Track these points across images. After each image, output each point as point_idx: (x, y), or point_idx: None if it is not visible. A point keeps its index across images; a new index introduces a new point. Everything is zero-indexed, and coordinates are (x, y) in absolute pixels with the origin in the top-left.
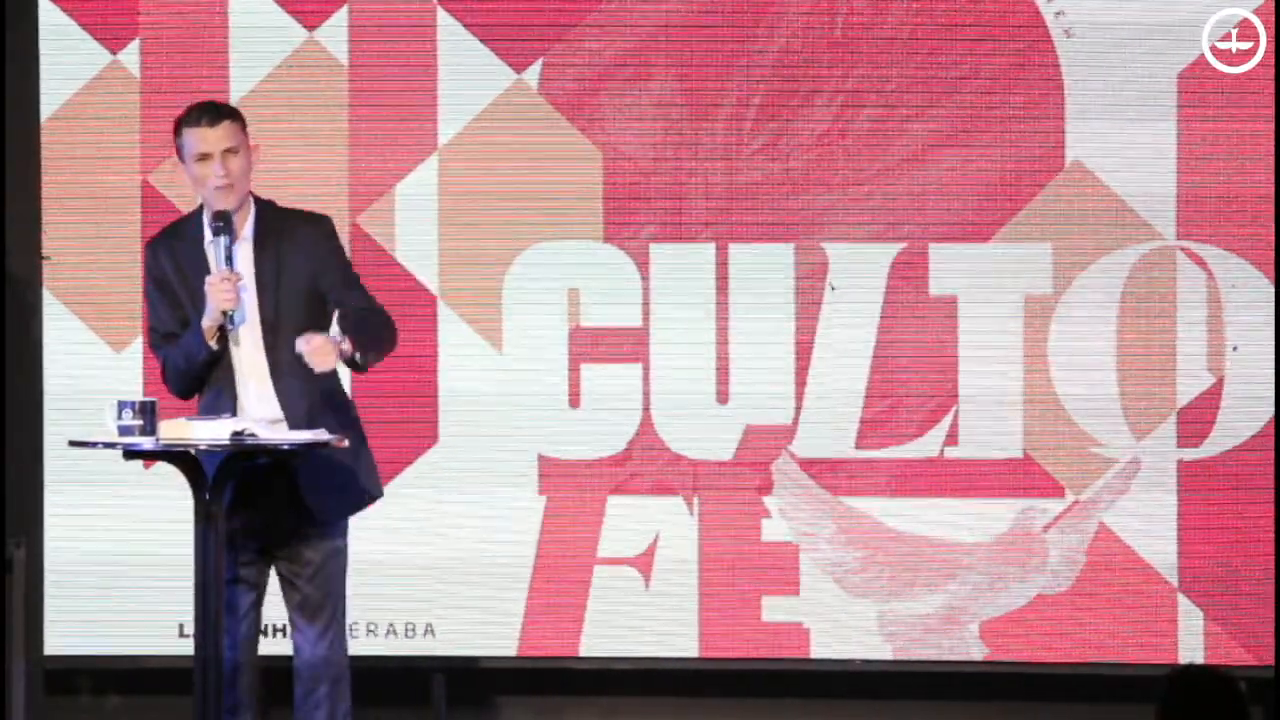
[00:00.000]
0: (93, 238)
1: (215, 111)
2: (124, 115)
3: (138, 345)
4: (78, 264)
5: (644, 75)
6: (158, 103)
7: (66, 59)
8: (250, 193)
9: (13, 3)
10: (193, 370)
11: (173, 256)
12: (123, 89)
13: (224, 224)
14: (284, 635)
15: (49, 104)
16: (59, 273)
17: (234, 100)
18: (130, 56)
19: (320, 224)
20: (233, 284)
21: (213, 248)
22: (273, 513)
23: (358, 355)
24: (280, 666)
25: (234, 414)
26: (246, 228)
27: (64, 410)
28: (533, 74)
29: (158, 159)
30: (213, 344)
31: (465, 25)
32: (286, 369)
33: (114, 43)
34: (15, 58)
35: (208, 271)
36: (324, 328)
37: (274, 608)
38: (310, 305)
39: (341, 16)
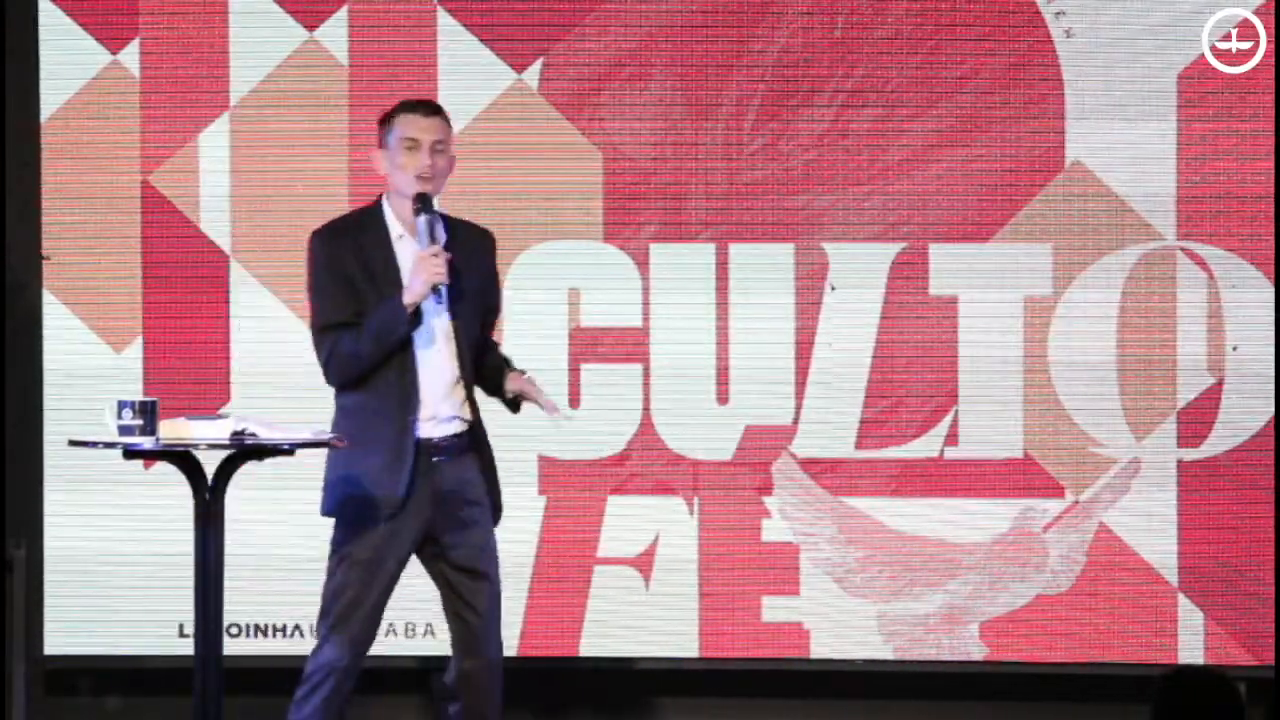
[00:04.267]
0: (93, 237)
1: (432, 106)
2: (124, 115)
3: (138, 345)
4: (78, 264)
5: (644, 75)
6: (158, 103)
7: (66, 59)
8: None
9: (13, 3)
10: (381, 350)
11: (356, 247)
12: (123, 89)
13: (426, 203)
14: (283, 635)
15: (49, 104)
16: (59, 273)
17: (234, 100)
18: (130, 56)
19: (491, 238)
20: (443, 259)
21: (401, 243)
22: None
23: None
24: (281, 666)
25: (414, 408)
26: (438, 229)
27: (64, 410)
28: (533, 74)
29: (158, 159)
30: (407, 326)
31: (465, 25)
32: (472, 369)
33: (114, 43)
34: (15, 58)
35: (391, 263)
36: (481, 338)
37: (272, 607)
38: (479, 310)
39: (341, 16)
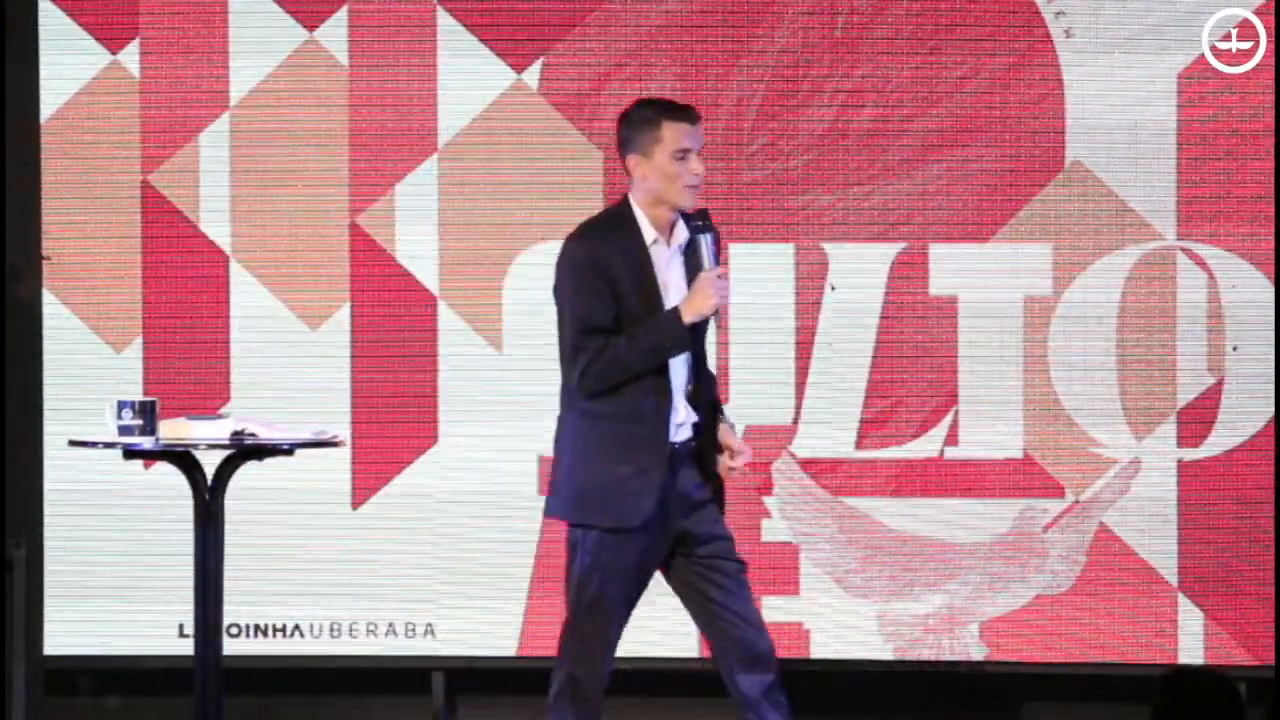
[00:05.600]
0: (93, 238)
1: (692, 112)
2: (124, 115)
3: (138, 345)
4: (78, 264)
5: (644, 75)
6: (158, 103)
7: (66, 59)
8: None
9: (13, 3)
10: (653, 364)
11: (620, 251)
12: (123, 89)
13: (704, 222)
14: (283, 635)
15: (49, 104)
16: (59, 273)
17: (234, 100)
18: (130, 56)
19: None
20: (727, 281)
21: (655, 249)
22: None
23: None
24: (281, 666)
25: (669, 416)
26: (679, 232)
27: (64, 410)
28: (533, 74)
29: (158, 159)
30: (684, 345)
31: (465, 25)
32: (698, 375)
33: (114, 43)
34: (15, 58)
35: (647, 268)
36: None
37: (272, 608)
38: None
39: (341, 16)
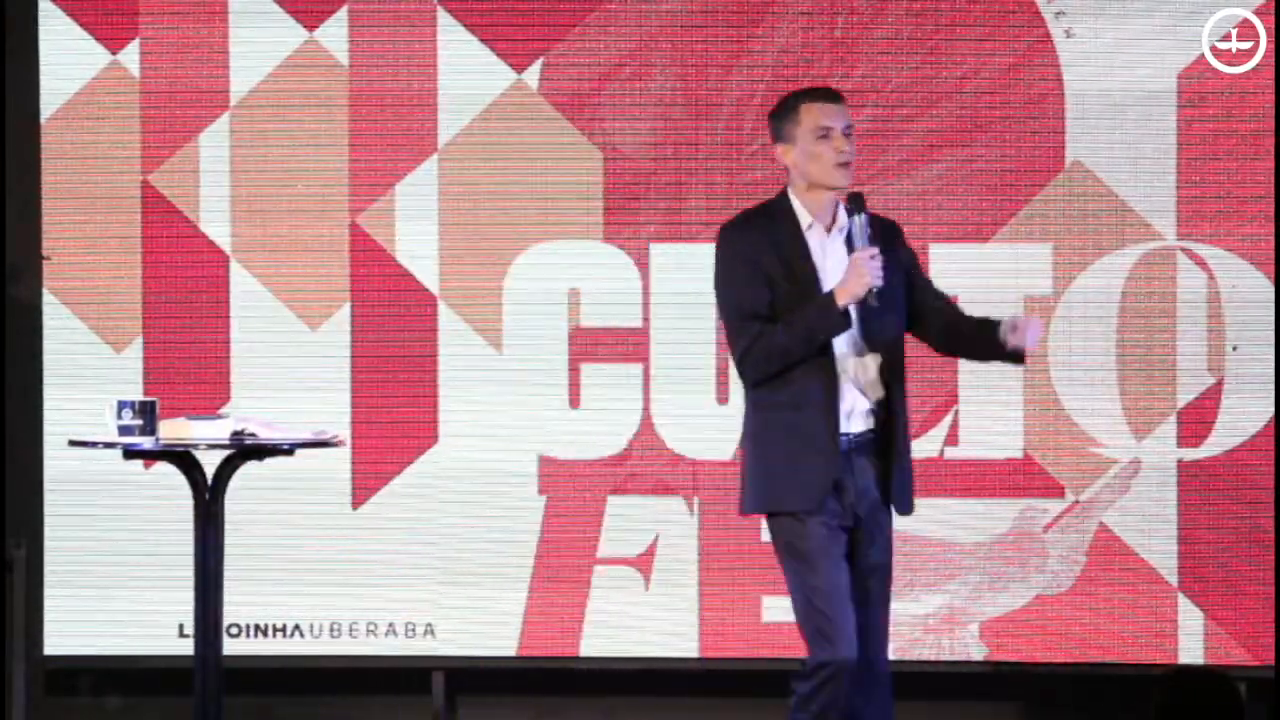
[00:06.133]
0: (93, 238)
1: (832, 92)
2: (124, 115)
3: (138, 345)
4: (78, 264)
5: (644, 75)
6: (158, 103)
7: (66, 59)
8: None
9: (13, 3)
10: (809, 349)
11: (770, 238)
12: (123, 89)
13: (858, 203)
14: (283, 635)
15: (49, 104)
16: (59, 273)
17: (234, 100)
18: (130, 56)
19: (896, 225)
20: (879, 262)
21: (811, 233)
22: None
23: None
24: (281, 666)
25: (837, 404)
26: (841, 216)
27: (64, 410)
28: (533, 74)
29: (158, 159)
30: (842, 326)
31: (465, 25)
32: (888, 364)
33: (114, 43)
34: (15, 58)
35: (804, 253)
36: (902, 332)
37: (272, 608)
38: (898, 301)
39: (341, 16)
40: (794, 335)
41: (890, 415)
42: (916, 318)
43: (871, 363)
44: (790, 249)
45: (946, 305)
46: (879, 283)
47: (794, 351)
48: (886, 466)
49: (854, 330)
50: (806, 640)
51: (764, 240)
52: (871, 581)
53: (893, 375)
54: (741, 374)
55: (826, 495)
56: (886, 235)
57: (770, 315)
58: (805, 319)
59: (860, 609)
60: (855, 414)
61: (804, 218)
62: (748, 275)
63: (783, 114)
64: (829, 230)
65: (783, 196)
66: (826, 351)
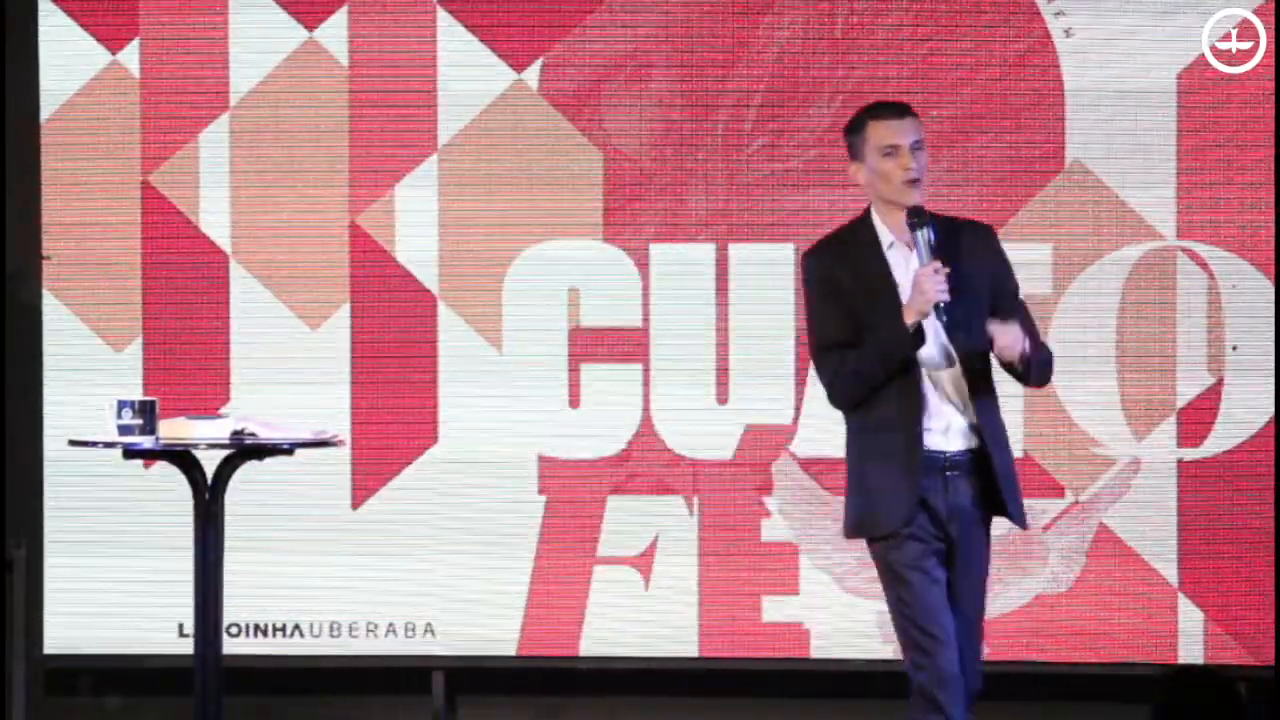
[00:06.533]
0: (93, 238)
1: (899, 107)
2: (124, 115)
3: (138, 345)
4: (78, 264)
5: (644, 75)
6: (158, 103)
7: (66, 59)
8: None
9: (13, 3)
10: (886, 371)
11: (848, 259)
12: (123, 89)
13: (919, 218)
14: (283, 635)
15: (49, 104)
16: (59, 272)
17: (234, 100)
18: (130, 56)
19: (989, 232)
20: (942, 276)
21: (892, 252)
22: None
23: (1029, 362)
24: (281, 666)
25: (920, 421)
26: (934, 243)
27: (64, 410)
28: (533, 74)
29: (158, 159)
30: (914, 346)
31: (465, 25)
32: (978, 379)
33: (114, 43)
34: (15, 58)
35: (884, 272)
36: (988, 342)
37: (272, 607)
38: (984, 313)
39: (341, 16)
40: (870, 360)
41: (988, 430)
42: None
43: (966, 376)
44: (869, 268)
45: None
46: (943, 298)
47: (874, 375)
48: (989, 483)
49: (942, 344)
50: (907, 658)
51: (841, 263)
52: (963, 601)
53: (985, 383)
54: (832, 403)
55: (915, 513)
56: (970, 241)
57: (852, 340)
58: (878, 341)
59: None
60: (952, 431)
61: (885, 236)
62: (825, 303)
63: (853, 131)
64: (911, 247)
65: (866, 215)
66: (911, 370)
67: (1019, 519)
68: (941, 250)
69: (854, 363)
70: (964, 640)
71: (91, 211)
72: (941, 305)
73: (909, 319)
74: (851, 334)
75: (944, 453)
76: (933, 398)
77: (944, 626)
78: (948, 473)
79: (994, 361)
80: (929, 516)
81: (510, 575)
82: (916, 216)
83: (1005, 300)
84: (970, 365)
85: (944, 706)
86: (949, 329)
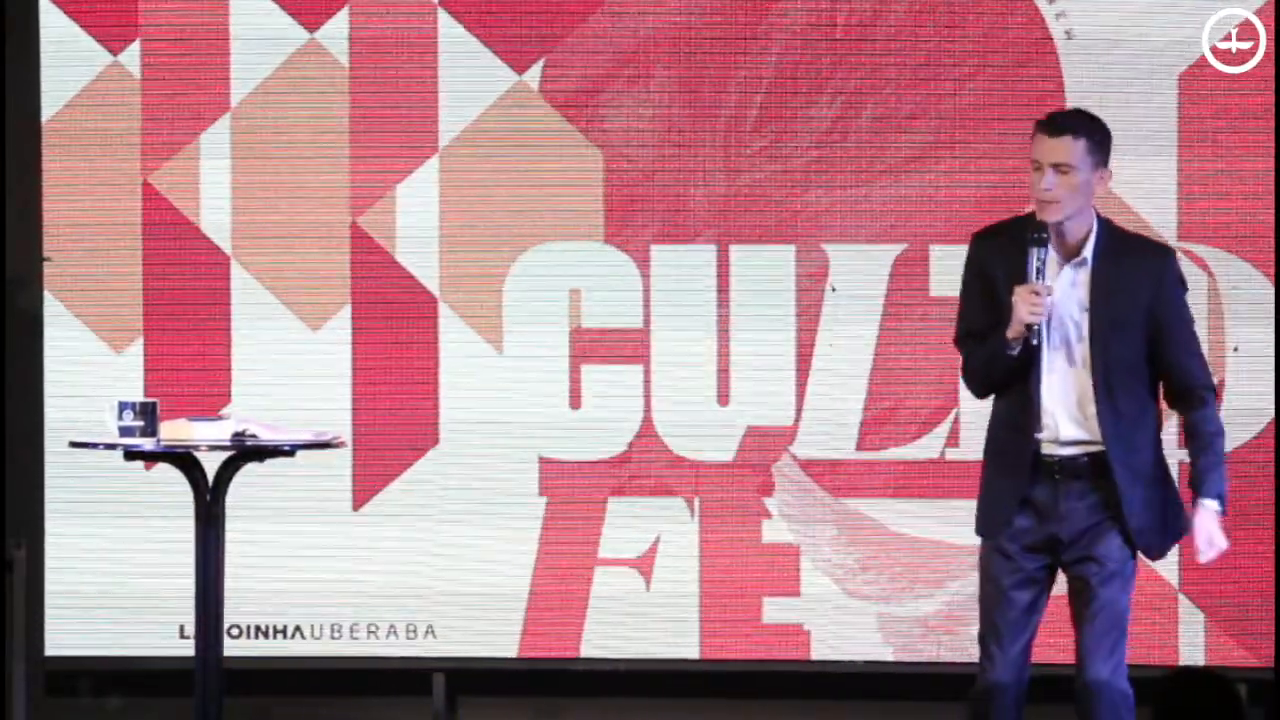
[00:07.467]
0: (93, 238)
1: (1058, 125)
2: (124, 116)
3: (138, 345)
4: (78, 264)
5: (645, 76)
6: (158, 103)
7: (66, 60)
8: (1095, 211)
9: (13, 3)
10: (991, 375)
11: (1004, 249)
12: (123, 89)
13: (1040, 237)
14: (283, 636)
15: (49, 104)
16: (59, 273)
17: (234, 101)
18: (130, 57)
19: (1166, 256)
20: (1041, 298)
21: (1028, 257)
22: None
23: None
24: (281, 668)
25: (1034, 426)
26: (1087, 248)
27: (64, 410)
28: (534, 75)
29: (158, 159)
30: (1012, 353)
31: (466, 26)
32: (1107, 393)
33: (114, 43)
34: (16, 59)
35: (1021, 277)
36: (1143, 366)
37: (271, 609)
38: (1134, 336)
39: (342, 18)
40: (980, 358)
41: (1112, 439)
42: (1153, 363)
43: (1089, 384)
44: (1018, 267)
45: (1185, 407)
46: (1035, 320)
47: (987, 373)
48: (1110, 493)
49: (1064, 356)
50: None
51: (996, 254)
52: (1080, 604)
53: (1120, 398)
54: (967, 386)
55: (1014, 515)
56: (1135, 261)
57: (986, 331)
58: (988, 344)
59: (1076, 626)
60: (1060, 439)
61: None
62: (971, 289)
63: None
64: (1065, 258)
65: (1032, 215)
66: (1028, 376)
67: (1141, 537)
68: (1102, 259)
69: (974, 357)
70: (1089, 642)
71: (92, 211)
72: (1033, 327)
73: (1009, 334)
74: (987, 325)
75: (1054, 456)
76: (1048, 405)
77: (1011, 639)
78: (1058, 475)
79: (1154, 386)
80: (1035, 519)
81: (511, 576)
82: (1038, 234)
83: (1170, 344)
84: (1100, 373)
85: (985, 716)
86: (1098, 334)
